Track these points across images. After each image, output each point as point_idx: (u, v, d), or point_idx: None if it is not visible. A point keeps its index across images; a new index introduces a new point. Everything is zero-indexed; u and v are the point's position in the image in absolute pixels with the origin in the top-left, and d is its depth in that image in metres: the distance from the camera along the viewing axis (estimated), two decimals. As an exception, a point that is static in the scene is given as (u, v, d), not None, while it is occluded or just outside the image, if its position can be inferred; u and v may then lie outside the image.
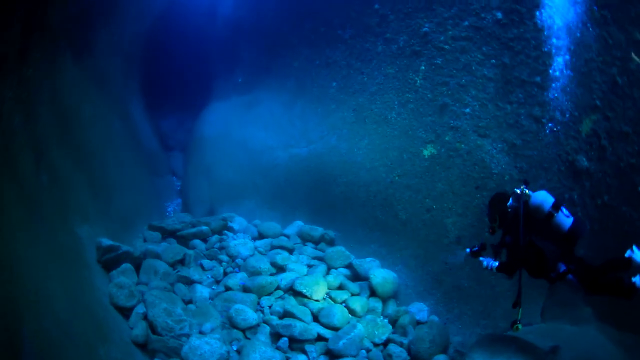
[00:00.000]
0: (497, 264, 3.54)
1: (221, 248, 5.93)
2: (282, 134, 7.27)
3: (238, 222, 6.59)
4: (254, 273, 5.20)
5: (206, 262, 5.63)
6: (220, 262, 5.66)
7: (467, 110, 5.33)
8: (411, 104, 5.83)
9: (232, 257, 5.68)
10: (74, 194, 5.29)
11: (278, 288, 5.07)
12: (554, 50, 5.02)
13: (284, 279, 5.13)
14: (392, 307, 5.23)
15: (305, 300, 4.94)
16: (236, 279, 5.09)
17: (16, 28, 4.10)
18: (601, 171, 5.01)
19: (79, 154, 5.67)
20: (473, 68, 5.38)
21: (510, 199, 3.51)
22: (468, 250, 3.78)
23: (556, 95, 4.98)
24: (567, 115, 4.97)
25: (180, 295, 4.87)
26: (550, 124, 4.95)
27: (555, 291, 5.09)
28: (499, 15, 5.28)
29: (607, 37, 5.02)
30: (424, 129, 5.62)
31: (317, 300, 4.96)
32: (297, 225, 6.38)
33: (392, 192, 5.66)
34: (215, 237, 6.08)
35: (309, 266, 5.67)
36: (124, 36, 6.81)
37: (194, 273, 5.37)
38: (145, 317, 4.32)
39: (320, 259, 5.84)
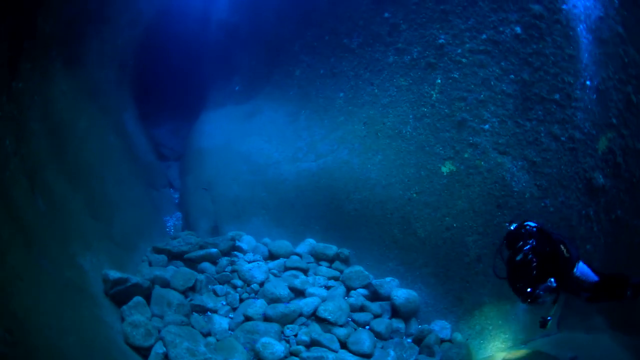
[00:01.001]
0: (552, 280, 3.49)
1: (233, 271, 5.66)
2: (288, 147, 7.01)
3: (246, 241, 6.32)
4: (274, 300, 4.99)
5: (219, 288, 5.37)
6: (234, 287, 5.41)
7: (487, 126, 5.27)
8: (427, 119, 5.71)
9: (247, 282, 5.43)
10: (74, 219, 4.92)
11: (301, 315, 4.88)
12: (572, 68, 5.02)
13: (306, 305, 4.95)
14: (414, 326, 5.17)
15: (330, 326, 4.80)
16: (256, 308, 4.86)
17: (5, 35, 3.68)
18: (615, 187, 5.10)
19: (75, 172, 5.28)
20: (492, 83, 5.31)
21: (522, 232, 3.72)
22: (522, 303, 3.68)
23: (575, 113, 5.00)
24: (585, 133, 5.01)
25: (199, 328, 4.61)
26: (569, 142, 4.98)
27: (569, 302, 5.20)
28: (518, 29, 5.22)
29: (623, 55, 5.07)
30: (442, 145, 5.52)
31: (341, 326, 4.82)
32: (309, 243, 6.19)
33: (410, 209, 5.55)
34: (225, 260, 5.79)
35: (327, 287, 5.51)
36: (116, 43, 6.35)
37: (207, 300, 5.11)
38: (165, 357, 4.04)
39: (337, 278, 5.70)
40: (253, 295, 5.28)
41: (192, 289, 5.27)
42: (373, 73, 6.53)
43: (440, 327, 5.08)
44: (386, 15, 6.46)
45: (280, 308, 4.77)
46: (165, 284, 5.24)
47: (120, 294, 4.56)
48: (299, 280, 5.28)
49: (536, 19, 5.14)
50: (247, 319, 4.78)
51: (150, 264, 5.68)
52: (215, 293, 5.34)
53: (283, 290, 5.07)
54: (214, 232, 6.77)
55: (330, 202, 6.22)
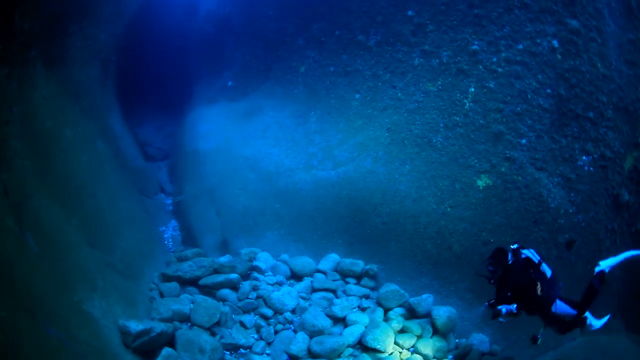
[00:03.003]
0: (515, 306, 3.96)
1: (258, 297, 5.10)
2: (300, 152, 6.41)
3: (263, 259, 5.73)
4: (316, 332, 4.57)
5: (247, 319, 4.81)
6: (264, 317, 4.87)
7: (524, 140, 5.21)
8: (460, 129, 5.51)
9: (277, 310, 4.93)
10: (72, 252, 4.09)
11: (348, 346, 4.54)
12: (606, 88, 5.10)
13: (351, 334, 4.63)
14: (452, 341, 5.13)
15: (378, 354, 4.53)
16: (299, 344, 4.41)
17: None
18: (637, 202, 5.38)
19: (66, 193, 4.38)
20: (529, 96, 5.22)
21: (509, 255, 4.03)
22: (487, 303, 4.12)
23: (607, 132, 5.12)
24: (615, 152, 5.17)
25: (241, 375, 4.07)
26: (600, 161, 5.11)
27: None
28: (555, 43, 5.15)
29: (650, 75, 5.25)
30: (477, 157, 5.37)
31: (390, 354, 4.58)
32: (333, 259, 5.78)
33: (445, 224, 5.39)
34: (247, 285, 5.19)
35: (362, 308, 5.21)
36: (99, 38, 5.36)
37: (238, 336, 4.56)
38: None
39: (367, 296, 5.42)
40: (288, 326, 4.80)
41: (217, 323, 4.65)
42: (395, 75, 6.13)
43: (479, 341, 5.08)
44: (410, 13, 6.04)
45: (329, 343, 4.38)
46: (185, 319, 4.58)
47: (144, 345, 3.88)
48: (339, 307, 4.90)
49: (573, 35, 5.10)
50: (293, 358, 4.32)
51: (161, 295, 4.90)
52: (243, 325, 4.77)
53: (325, 321, 4.67)
54: (222, 248, 6.06)
55: (355, 215, 5.84)
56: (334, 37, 6.73)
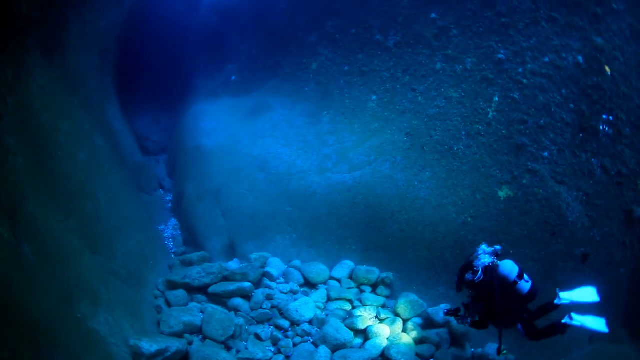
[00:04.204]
0: (470, 320, 4.14)
1: (273, 307, 4.79)
2: (312, 154, 6.11)
3: (275, 265, 5.41)
4: (339, 346, 4.33)
5: (263, 332, 4.49)
6: (279, 329, 4.57)
7: (546, 154, 5.21)
8: (482, 138, 5.44)
9: (294, 322, 4.64)
10: (72, 260, 3.62)
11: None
12: (626, 106, 5.19)
13: (374, 347, 4.43)
14: (469, 351, 5.07)
15: (402, 369, 4.37)
16: (321, 358, 4.15)
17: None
18: (647, 218, 5.54)
19: (64, 194, 3.90)
20: (552, 110, 5.23)
21: (480, 270, 3.99)
22: (445, 310, 4.43)
23: (624, 149, 5.22)
24: (630, 169, 5.29)
25: (265, 395, 3.76)
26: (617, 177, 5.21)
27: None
28: (580, 59, 5.18)
29: (663, 95, 5.40)
30: (499, 168, 5.33)
31: (413, 368, 4.44)
32: (347, 266, 5.56)
33: (465, 234, 5.31)
34: (260, 294, 4.86)
35: (380, 319, 5.02)
36: (98, 26, 4.86)
37: (255, 350, 4.24)
38: None
39: (384, 305, 5.25)
40: (307, 338, 4.53)
41: (232, 336, 4.31)
42: (415, 78, 5.98)
43: (495, 350, 5.05)
44: (433, 15, 5.90)
45: (354, 358, 4.16)
46: (196, 330, 4.22)
47: (160, 365, 3.46)
48: (359, 319, 4.68)
49: (597, 52, 5.16)
50: (317, 373, 4.06)
51: (168, 304, 4.48)
52: (258, 337, 4.45)
53: (347, 334, 4.44)
54: (228, 252, 5.66)
55: (371, 221, 5.63)
56: (350, 35, 6.49)
